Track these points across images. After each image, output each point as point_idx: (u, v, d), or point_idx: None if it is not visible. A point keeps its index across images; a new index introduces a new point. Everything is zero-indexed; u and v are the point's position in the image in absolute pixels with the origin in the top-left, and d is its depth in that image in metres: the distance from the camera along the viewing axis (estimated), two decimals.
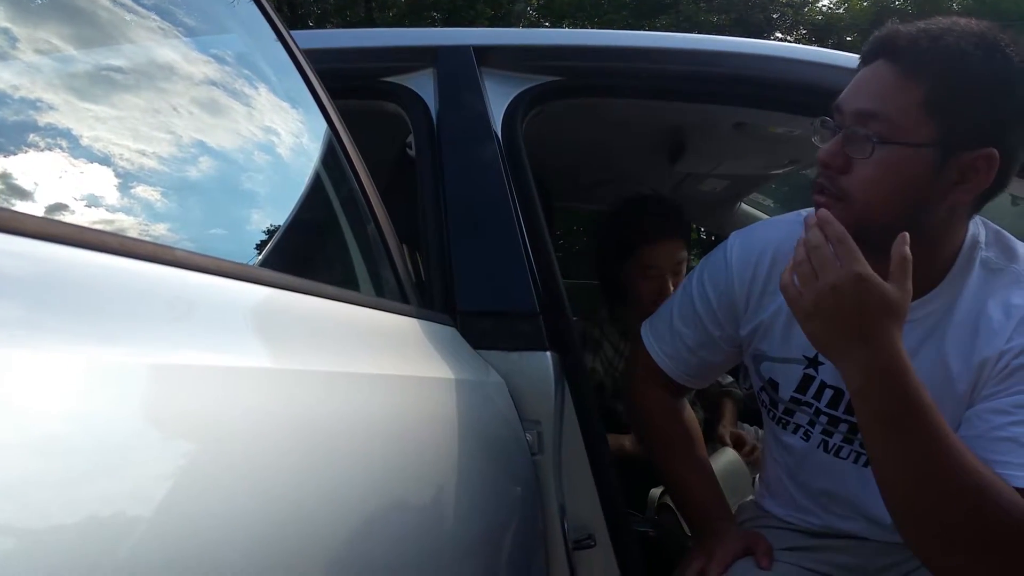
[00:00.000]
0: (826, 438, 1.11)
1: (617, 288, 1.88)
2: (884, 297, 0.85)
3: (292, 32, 0.97)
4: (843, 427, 1.09)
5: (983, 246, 0.99)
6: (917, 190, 0.91)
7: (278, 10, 0.95)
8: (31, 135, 0.53)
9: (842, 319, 0.86)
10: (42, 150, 0.53)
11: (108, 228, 0.55)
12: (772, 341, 1.11)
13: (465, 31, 1.46)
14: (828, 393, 1.08)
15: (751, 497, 1.34)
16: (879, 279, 0.85)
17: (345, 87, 1.20)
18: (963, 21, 0.91)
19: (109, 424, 0.37)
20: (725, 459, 1.80)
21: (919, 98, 0.88)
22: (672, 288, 1.77)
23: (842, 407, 1.08)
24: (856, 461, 1.10)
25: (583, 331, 1.90)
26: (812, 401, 1.10)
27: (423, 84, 1.31)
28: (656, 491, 1.63)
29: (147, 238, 0.59)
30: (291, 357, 0.57)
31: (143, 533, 0.37)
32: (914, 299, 0.91)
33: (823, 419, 1.10)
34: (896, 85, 0.90)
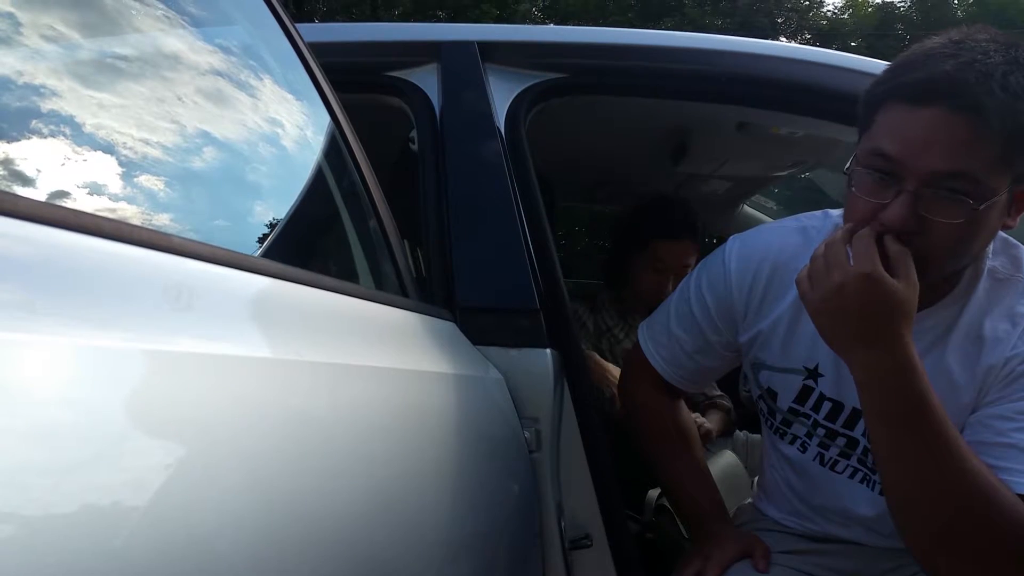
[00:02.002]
0: (823, 451, 1.10)
1: (621, 274, 1.97)
2: (892, 297, 0.84)
3: (297, 26, 0.96)
4: (840, 441, 1.08)
5: (990, 255, 0.98)
6: (992, 233, 0.90)
7: (284, 6, 0.94)
8: (35, 121, 0.53)
9: (848, 318, 0.87)
10: (45, 137, 0.53)
11: (109, 215, 0.55)
12: (771, 350, 1.10)
13: (470, 27, 1.46)
14: (827, 405, 1.07)
15: (749, 500, 1.34)
16: (888, 278, 0.85)
17: (349, 81, 1.19)
18: (984, 40, 0.86)
19: (106, 411, 0.37)
20: (724, 462, 1.81)
21: (999, 150, 0.83)
22: (672, 288, 1.84)
23: (840, 420, 1.07)
24: (852, 476, 1.09)
25: (591, 306, 1.99)
26: (810, 413, 1.09)
27: (427, 79, 1.31)
28: (654, 492, 1.63)
29: (150, 225, 0.58)
30: (289, 348, 0.57)
31: (138, 522, 0.36)
32: (923, 309, 0.91)
33: (820, 431, 1.09)
34: (974, 139, 0.82)
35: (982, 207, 0.84)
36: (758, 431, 2.10)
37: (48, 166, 0.52)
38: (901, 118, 0.86)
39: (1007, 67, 0.83)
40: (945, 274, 0.93)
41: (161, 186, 0.64)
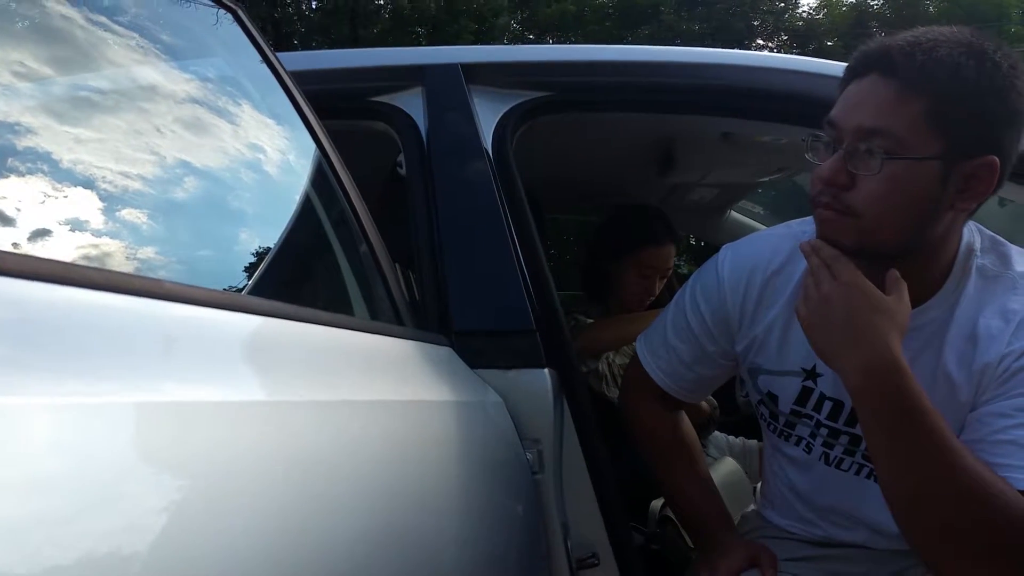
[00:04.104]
0: (827, 450, 1.10)
1: (602, 285, 2.02)
2: (875, 300, 0.88)
3: (278, 53, 0.96)
4: (844, 439, 1.08)
5: (978, 253, 0.99)
6: (925, 203, 0.91)
7: (262, 30, 0.94)
8: (12, 160, 0.52)
9: (836, 324, 0.89)
10: (23, 175, 0.52)
11: (93, 253, 0.55)
12: (768, 354, 1.10)
13: (453, 49, 1.46)
14: (828, 405, 1.08)
15: (752, 507, 1.33)
16: (870, 285, 0.89)
17: (333, 108, 1.19)
18: (947, 30, 0.91)
19: (98, 466, 0.36)
20: (725, 469, 1.80)
21: (920, 112, 0.87)
22: (658, 291, 1.98)
23: (842, 419, 1.07)
24: (858, 473, 1.09)
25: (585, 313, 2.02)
26: (812, 413, 1.09)
27: (412, 103, 1.31)
28: (657, 503, 1.62)
29: (133, 263, 0.58)
30: (284, 388, 0.56)
31: (139, 573, 0.35)
32: (912, 308, 0.92)
33: (823, 431, 1.09)
34: (896, 100, 0.88)
35: (893, 161, 0.88)
36: (754, 437, 2.11)
37: (30, 206, 0.52)
38: (847, 91, 0.94)
39: (945, 43, 0.88)
40: (889, 247, 0.93)
41: (149, 222, 0.64)
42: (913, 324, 0.93)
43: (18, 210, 0.51)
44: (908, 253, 0.94)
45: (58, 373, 0.37)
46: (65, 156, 0.57)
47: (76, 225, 0.55)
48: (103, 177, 0.59)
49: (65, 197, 0.55)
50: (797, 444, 1.14)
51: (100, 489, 0.35)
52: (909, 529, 0.89)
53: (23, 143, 0.54)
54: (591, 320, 2.00)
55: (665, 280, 2.01)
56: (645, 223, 1.96)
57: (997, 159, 0.89)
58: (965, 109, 0.87)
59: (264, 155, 0.93)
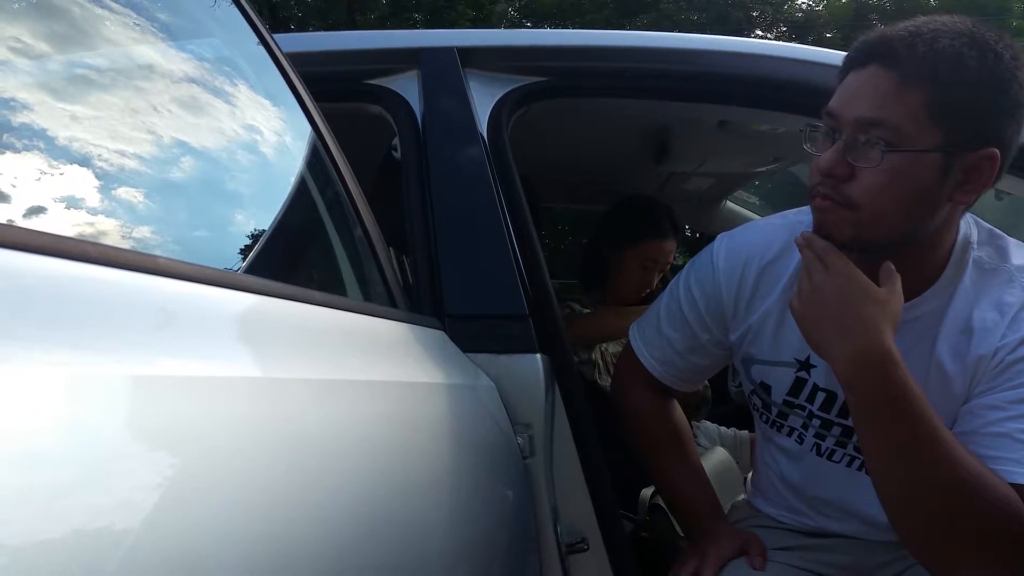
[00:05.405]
0: (819, 441, 1.11)
1: (601, 272, 2.02)
2: (867, 290, 0.88)
3: (275, 35, 0.96)
4: (836, 430, 1.08)
5: (975, 245, 0.99)
6: (925, 195, 0.90)
7: (259, 13, 0.94)
8: (8, 137, 0.52)
9: (827, 315, 0.90)
10: (19, 152, 0.52)
11: (89, 231, 0.54)
12: (762, 344, 1.10)
13: (449, 32, 1.45)
14: (821, 396, 1.08)
15: (743, 496, 1.34)
16: (863, 275, 0.89)
17: (329, 90, 1.18)
18: (949, 20, 0.90)
19: (92, 437, 0.36)
20: (716, 459, 1.81)
21: (921, 104, 0.86)
22: (655, 284, 1.99)
23: (835, 410, 1.07)
24: (849, 465, 1.09)
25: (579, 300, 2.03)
26: (805, 404, 1.09)
27: (407, 86, 1.30)
28: (647, 491, 1.63)
29: (129, 242, 0.58)
30: (277, 365, 0.56)
31: (128, 549, 0.36)
32: (908, 300, 0.92)
33: (816, 422, 1.10)
34: (897, 91, 0.87)
35: (898, 152, 0.87)
36: (745, 428, 2.12)
37: (27, 183, 0.51)
38: (847, 81, 0.93)
39: (946, 33, 0.87)
40: (886, 239, 0.93)
41: (144, 201, 0.64)
42: (908, 316, 0.93)
43: (13, 187, 0.51)
44: (905, 245, 0.94)
45: (50, 343, 0.37)
46: (61, 134, 0.57)
47: (72, 202, 0.55)
48: (99, 155, 0.59)
49: (61, 175, 0.55)
50: (789, 435, 1.14)
51: (91, 461, 0.36)
52: (898, 520, 0.90)
53: (19, 120, 0.54)
54: (585, 309, 2.00)
55: (662, 275, 2.02)
56: (651, 215, 1.97)
57: (998, 151, 0.88)
58: (967, 101, 0.87)
59: (260, 136, 0.93)
